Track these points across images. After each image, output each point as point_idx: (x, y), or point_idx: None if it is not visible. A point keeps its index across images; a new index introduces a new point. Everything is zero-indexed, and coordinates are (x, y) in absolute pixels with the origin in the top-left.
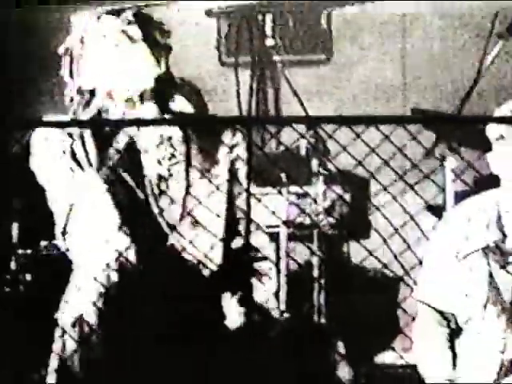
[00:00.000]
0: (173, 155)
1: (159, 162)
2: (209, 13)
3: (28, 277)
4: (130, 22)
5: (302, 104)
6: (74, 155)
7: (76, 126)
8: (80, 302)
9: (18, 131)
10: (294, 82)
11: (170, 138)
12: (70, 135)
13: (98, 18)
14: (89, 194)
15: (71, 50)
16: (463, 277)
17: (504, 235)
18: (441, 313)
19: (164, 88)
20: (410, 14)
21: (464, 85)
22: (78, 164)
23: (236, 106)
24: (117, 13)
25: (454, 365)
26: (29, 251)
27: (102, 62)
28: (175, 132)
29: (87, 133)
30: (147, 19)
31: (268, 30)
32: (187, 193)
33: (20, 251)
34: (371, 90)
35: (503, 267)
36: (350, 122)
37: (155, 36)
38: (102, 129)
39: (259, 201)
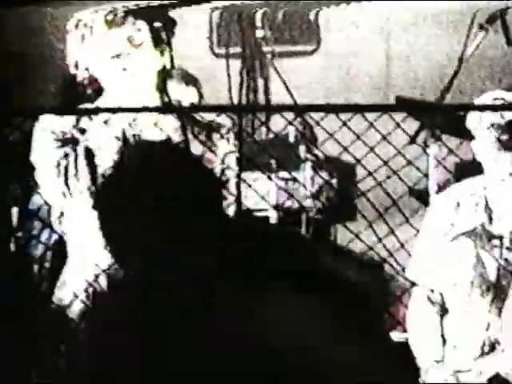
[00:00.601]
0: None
1: None
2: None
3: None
4: (135, 23)
5: (290, 93)
6: (66, 178)
7: (72, 114)
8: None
9: (16, 119)
10: (282, 72)
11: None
12: (66, 154)
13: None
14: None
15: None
16: (451, 258)
17: (491, 218)
18: (431, 292)
19: (167, 80)
20: (395, 7)
21: (446, 75)
22: (68, 187)
23: (227, 95)
24: (123, 18)
25: (444, 343)
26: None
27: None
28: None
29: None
30: (155, 16)
31: (258, 22)
32: None
33: (19, 234)
34: (357, 79)
35: (489, 249)
36: (337, 110)
37: (160, 34)
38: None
39: (249, 186)
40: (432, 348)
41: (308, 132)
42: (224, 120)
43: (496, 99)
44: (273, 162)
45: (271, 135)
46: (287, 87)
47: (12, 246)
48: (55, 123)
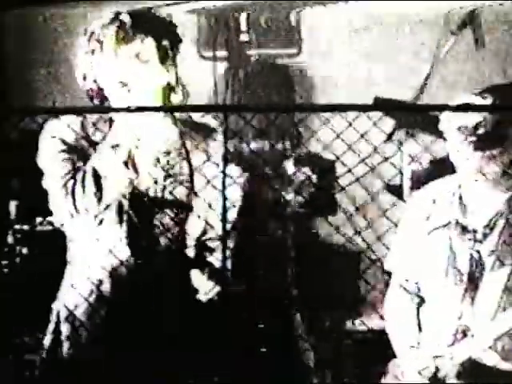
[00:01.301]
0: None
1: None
2: (190, 10)
3: (24, 250)
4: (143, 41)
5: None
6: (74, 200)
7: (74, 114)
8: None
9: (15, 118)
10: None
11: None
12: (74, 171)
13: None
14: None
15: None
16: (427, 250)
17: (464, 214)
18: (407, 282)
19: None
20: (374, 11)
21: (421, 76)
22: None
23: (213, 96)
24: (133, 35)
25: (420, 331)
26: (25, 227)
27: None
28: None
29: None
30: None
31: (243, 26)
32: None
33: (17, 226)
34: (338, 81)
35: (463, 242)
36: (318, 109)
37: (167, 51)
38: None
39: (234, 182)
40: (408, 335)
41: (291, 130)
42: (210, 120)
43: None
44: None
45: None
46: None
47: (10, 239)
48: (64, 131)
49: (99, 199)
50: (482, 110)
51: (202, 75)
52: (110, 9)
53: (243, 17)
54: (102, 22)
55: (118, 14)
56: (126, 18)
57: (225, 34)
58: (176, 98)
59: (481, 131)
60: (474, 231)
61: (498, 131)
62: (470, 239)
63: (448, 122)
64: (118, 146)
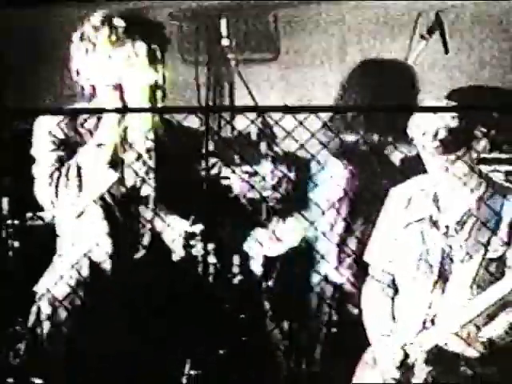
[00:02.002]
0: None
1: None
2: (172, 16)
3: (16, 244)
4: (134, 45)
5: (252, 95)
6: (56, 190)
7: (64, 114)
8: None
9: (9, 118)
10: (245, 77)
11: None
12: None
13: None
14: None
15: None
16: (402, 243)
17: (438, 210)
18: (383, 274)
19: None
20: (348, 15)
21: None
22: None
23: (196, 98)
24: (125, 38)
25: (393, 320)
26: (16, 222)
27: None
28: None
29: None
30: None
31: (223, 32)
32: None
33: (9, 221)
34: (312, 83)
35: (435, 236)
36: (294, 110)
37: (156, 53)
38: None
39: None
40: (382, 324)
41: (268, 130)
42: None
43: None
44: (236, 157)
45: (235, 133)
46: (249, 90)
47: (3, 233)
48: (55, 126)
49: (80, 193)
50: (449, 111)
51: (184, 79)
52: (103, 9)
53: (223, 22)
54: (93, 23)
55: (109, 16)
56: (118, 22)
57: (206, 39)
58: (162, 97)
59: (442, 136)
60: (447, 227)
61: (462, 133)
62: (442, 234)
63: (415, 126)
64: (102, 144)
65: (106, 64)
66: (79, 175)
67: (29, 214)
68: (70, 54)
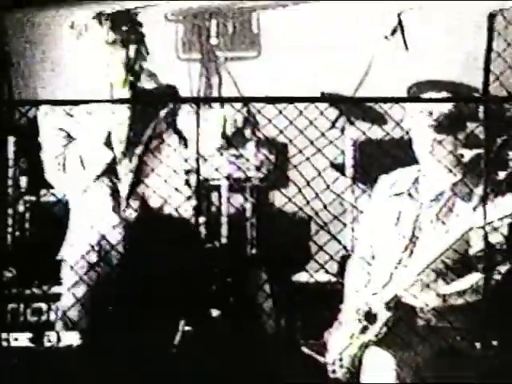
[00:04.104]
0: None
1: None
2: (168, 18)
3: (32, 216)
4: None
5: (238, 88)
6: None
7: (67, 105)
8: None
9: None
10: (232, 72)
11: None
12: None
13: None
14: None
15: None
16: (382, 214)
17: (417, 189)
18: (366, 248)
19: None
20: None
21: (359, 75)
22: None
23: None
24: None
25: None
26: (33, 198)
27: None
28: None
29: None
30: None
31: (213, 32)
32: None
33: (26, 197)
34: (291, 77)
35: (410, 210)
36: (274, 101)
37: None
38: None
39: (206, 160)
40: (357, 284)
41: (252, 118)
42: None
43: None
44: (224, 141)
45: None
46: (236, 83)
47: (21, 208)
48: (58, 116)
49: (83, 171)
50: (405, 101)
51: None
52: (93, 8)
53: (213, 23)
54: (85, 22)
55: (100, 16)
56: (107, 23)
57: (198, 38)
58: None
59: (436, 115)
60: (421, 204)
61: (451, 118)
62: (416, 208)
63: (410, 117)
64: (96, 130)
65: (94, 59)
66: (80, 156)
67: (43, 191)
68: (62, 51)
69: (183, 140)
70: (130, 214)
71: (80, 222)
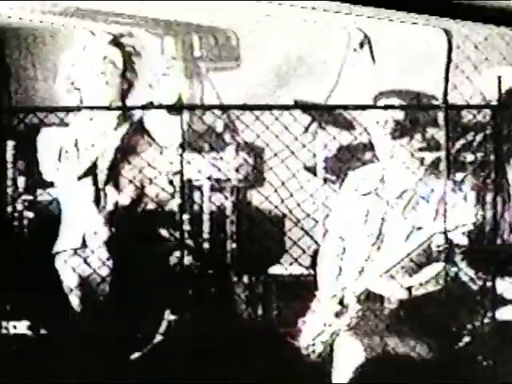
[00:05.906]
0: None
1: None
2: (152, 32)
3: (30, 214)
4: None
5: (218, 96)
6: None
7: (64, 111)
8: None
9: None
10: (214, 81)
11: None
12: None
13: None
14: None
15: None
16: (353, 212)
17: (383, 187)
18: (337, 240)
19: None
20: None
21: (329, 85)
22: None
23: None
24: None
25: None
26: (30, 197)
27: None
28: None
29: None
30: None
31: (195, 45)
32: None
33: (24, 197)
34: (267, 86)
35: (377, 207)
36: (252, 108)
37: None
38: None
39: (189, 163)
40: (330, 275)
41: (231, 124)
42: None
43: None
44: (206, 145)
45: (205, 126)
46: (217, 92)
47: (19, 206)
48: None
49: (77, 162)
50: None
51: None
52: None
53: (196, 37)
54: (105, 44)
55: (117, 39)
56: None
57: (182, 50)
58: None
59: (391, 124)
60: (387, 201)
61: (405, 125)
62: (383, 206)
63: (368, 119)
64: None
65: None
66: (76, 145)
67: (39, 191)
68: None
69: (152, 139)
70: (108, 205)
71: (70, 217)
